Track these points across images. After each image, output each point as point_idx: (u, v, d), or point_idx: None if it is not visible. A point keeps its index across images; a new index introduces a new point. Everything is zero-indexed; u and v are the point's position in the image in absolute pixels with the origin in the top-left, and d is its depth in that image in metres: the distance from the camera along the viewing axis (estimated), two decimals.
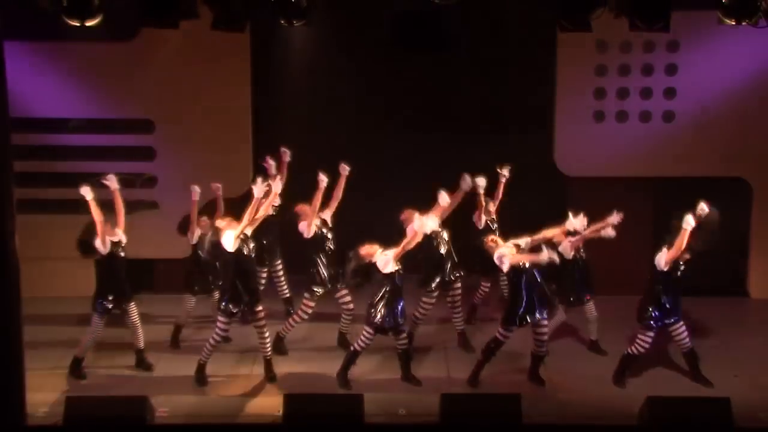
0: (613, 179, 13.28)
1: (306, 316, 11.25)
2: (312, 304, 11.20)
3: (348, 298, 11.24)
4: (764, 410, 9.73)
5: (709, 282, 13.39)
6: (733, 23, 9.92)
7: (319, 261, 11.16)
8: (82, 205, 13.53)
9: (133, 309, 10.66)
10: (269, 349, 10.60)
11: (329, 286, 11.15)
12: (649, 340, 10.27)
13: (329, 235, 11.24)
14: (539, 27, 12.33)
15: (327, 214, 11.33)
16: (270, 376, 10.51)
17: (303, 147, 13.78)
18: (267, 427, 9.39)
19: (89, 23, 9.65)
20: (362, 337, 10.34)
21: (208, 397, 10.08)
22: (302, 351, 11.34)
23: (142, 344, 10.79)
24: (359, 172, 13.85)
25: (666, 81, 13.12)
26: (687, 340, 10.33)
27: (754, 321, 12.57)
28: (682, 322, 10.27)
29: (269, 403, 9.77)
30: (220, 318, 10.41)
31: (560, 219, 13.72)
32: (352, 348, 10.44)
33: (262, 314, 10.50)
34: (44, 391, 9.97)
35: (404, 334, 10.48)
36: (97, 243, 10.42)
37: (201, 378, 10.41)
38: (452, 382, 10.45)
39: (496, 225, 11.94)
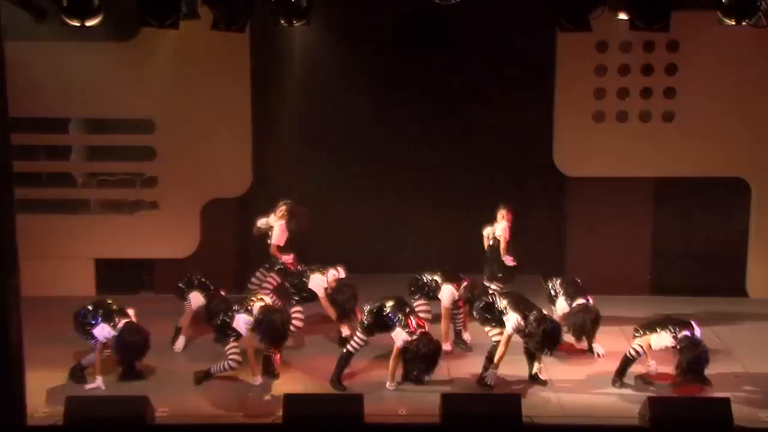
0: (613, 179, 13.28)
1: (301, 324, 11.29)
2: (300, 308, 11.32)
3: None
4: (764, 410, 9.74)
5: (709, 282, 13.41)
6: (733, 23, 9.92)
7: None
8: (81, 204, 13.69)
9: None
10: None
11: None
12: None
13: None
14: (539, 27, 12.33)
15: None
16: (271, 372, 10.53)
17: (303, 147, 13.82)
18: (267, 427, 9.39)
19: (89, 23, 9.65)
20: (354, 340, 10.41)
21: (208, 397, 10.07)
22: (302, 351, 11.34)
23: None
24: (359, 171, 13.91)
25: (666, 81, 13.11)
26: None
27: (753, 321, 12.56)
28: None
29: (269, 403, 9.77)
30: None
31: (559, 219, 13.84)
32: (345, 350, 10.47)
33: None
34: (44, 391, 9.98)
35: None
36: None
37: (200, 379, 10.38)
38: (452, 382, 10.45)
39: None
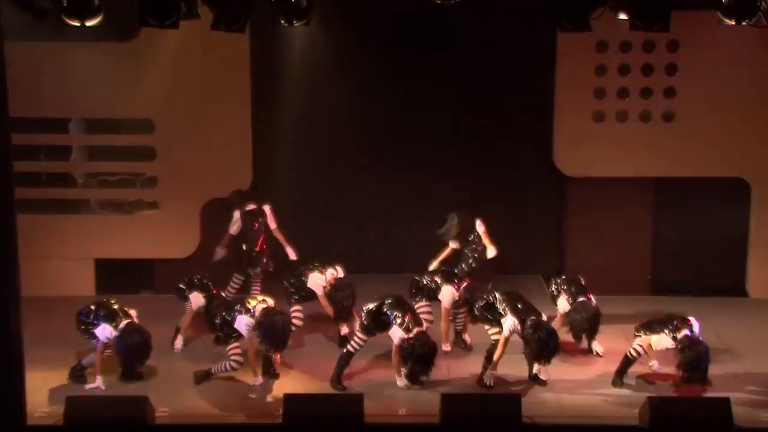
0: (613, 179, 13.27)
1: (300, 324, 11.29)
2: (299, 307, 11.31)
3: None
4: (764, 410, 9.74)
5: (709, 282, 13.40)
6: (733, 23, 9.92)
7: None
8: (81, 204, 13.70)
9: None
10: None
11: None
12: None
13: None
14: (539, 27, 12.32)
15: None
16: (271, 372, 10.53)
17: (303, 146, 13.82)
18: (267, 427, 9.39)
19: (89, 23, 9.65)
20: (354, 340, 10.41)
21: (208, 397, 10.07)
22: (302, 351, 11.34)
23: None
24: (359, 171, 13.90)
25: (666, 81, 13.11)
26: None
27: (753, 321, 12.56)
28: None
29: (269, 403, 9.77)
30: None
31: (559, 219, 13.84)
32: (344, 350, 10.47)
33: None
34: (44, 391, 9.98)
35: None
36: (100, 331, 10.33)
37: (201, 379, 10.38)
38: (452, 382, 10.45)
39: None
